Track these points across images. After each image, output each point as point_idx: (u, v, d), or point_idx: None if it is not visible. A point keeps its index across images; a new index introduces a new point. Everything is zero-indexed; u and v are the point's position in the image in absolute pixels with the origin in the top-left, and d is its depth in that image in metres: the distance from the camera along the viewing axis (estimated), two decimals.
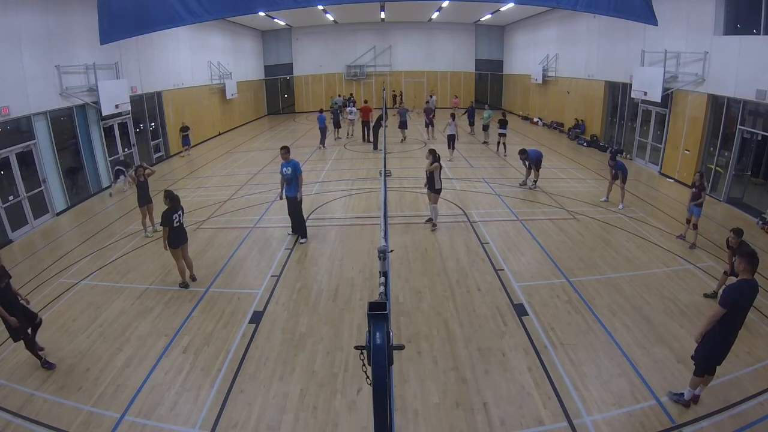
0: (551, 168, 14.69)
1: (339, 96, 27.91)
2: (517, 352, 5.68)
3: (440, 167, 9.41)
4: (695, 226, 8.54)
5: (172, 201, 7.23)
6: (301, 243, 9.07)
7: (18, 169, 10.45)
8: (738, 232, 6.56)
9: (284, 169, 8.81)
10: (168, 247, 7.28)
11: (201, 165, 16.75)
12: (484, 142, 18.98)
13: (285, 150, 8.92)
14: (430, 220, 9.83)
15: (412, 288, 7.29)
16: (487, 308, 6.67)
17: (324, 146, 18.74)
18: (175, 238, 7.25)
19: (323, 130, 18.67)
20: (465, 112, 22.60)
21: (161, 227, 7.24)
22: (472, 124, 21.94)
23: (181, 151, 18.29)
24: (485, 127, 19.05)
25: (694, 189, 8.59)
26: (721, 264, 7.70)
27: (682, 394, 4.72)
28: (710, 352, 4.46)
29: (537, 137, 20.71)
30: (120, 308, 6.92)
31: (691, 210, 8.55)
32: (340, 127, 20.91)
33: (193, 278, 7.67)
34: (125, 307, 6.95)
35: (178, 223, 7.23)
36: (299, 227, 9.17)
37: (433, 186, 9.36)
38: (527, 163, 12.51)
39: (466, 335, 6.03)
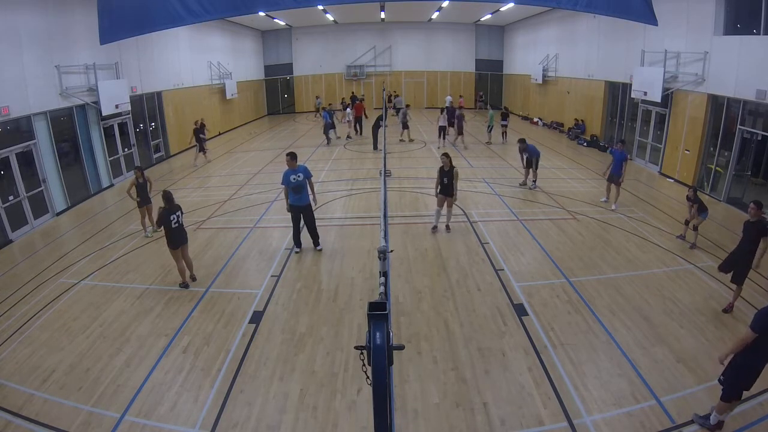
0: (551, 168, 14.70)
1: (318, 98, 28.80)
2: (517, 352, 5.68)
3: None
4: (695, 228, 8.54)
5: (170, 202, 7.21)
6: (318, 250, 8.71)
7: (18, 169, 10.45)
8: (759, 203, 6.29)
9: (292, 176, 8.08)
10: (168, 248, 7.28)
11: (201, 165, 16.74)
12: (488, 143, 18.95)
13: (292, 157, 8.19)
14: (434, 229, 9.61)
15: (412, 288, 7.29)
16: (487, 308, 6.67)
17: (328, 142, 19.66)
18: (175, 238, 7.23)
19: (327, 126, 19.58)
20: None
21: (159, 229, 7.24)
22: (451, 125, 20.47)
23: (205, 150, 17.27)
24: (489, 129, 19.00)
25: (694, 204, 8.52)
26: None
27: (708, 417, 4.46)
28: (739, 377, 4.23)
29: (537, 137, 20.67)
30: (120, 308, 6.92)
31: (694, 214, 8.54)
32: (333, 127, 21.16)
33: (193, 278, 7.67)
34: (125, 307, 6.95)
35: (176, 224, 7.20)
36: (314, 234, 8.68)
37: (452, 190, 9.06)
38: (524, 156, 12.45)
39: (466, 335, 6.03)
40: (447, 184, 9.01)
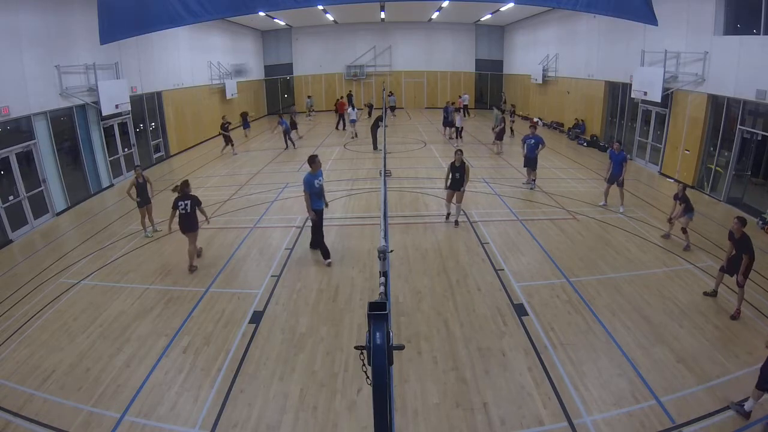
0: (551, 168, 14.70)
1: (308, 98, 29.41)
2: (517, 352, 5.68)
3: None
4: (684, 230, 8.52)
5: (182, 189, 7.99)
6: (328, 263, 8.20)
7: (18, 169, 10.45)
8: (742, 220, 6.36)
9: (316, 181, 7.83)
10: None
11: (201, 165, 16.75)
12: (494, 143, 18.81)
13: (315, 160, 7.92)
14: (448, 217, 10.06)
15: (412, 288, 7.29)
16: (487, 308, 6.68)
17: (293, 146, 19.21)
18: (181, 223, 7.93)
19: (287, 131, 19.11)
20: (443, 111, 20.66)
21: (159, 229, 7.51)
22: (446, 125, 20.32)
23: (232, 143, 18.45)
24: (494, 129, 18.94)
25: (682, 203, 8.48)
26: (720, 264, 7.68)
27: (743, 404, 4.49)
28: None
29: None
30: (120, 308, 6.92)
31: (678, 214, 8.53)
32: (296, 128, 21.24)
33: (199, 253, 8.35)
34: (125, 307, 6.96)
35: (183, 211, 7.86)
36: (320, 244, 8.27)
37: (461, 185, 9.46)
38: (526, 145, 12.46)
39: (466, 335, 6.03)
40: (458, 179, 9.40)
